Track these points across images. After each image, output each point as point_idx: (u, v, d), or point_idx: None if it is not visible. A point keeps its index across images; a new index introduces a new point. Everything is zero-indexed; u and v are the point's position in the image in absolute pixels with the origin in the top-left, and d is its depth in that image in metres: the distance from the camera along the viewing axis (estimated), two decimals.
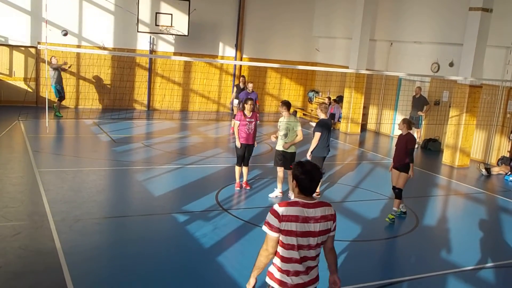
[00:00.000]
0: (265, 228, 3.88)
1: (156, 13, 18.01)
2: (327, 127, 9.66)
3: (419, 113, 16.23)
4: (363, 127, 18.93)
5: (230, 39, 20.53)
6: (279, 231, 3.82)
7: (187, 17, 18.30)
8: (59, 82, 16.25)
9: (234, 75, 20.86)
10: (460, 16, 14.55)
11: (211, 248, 7.13)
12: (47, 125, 13.64)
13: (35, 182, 9.44)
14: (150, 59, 19.15)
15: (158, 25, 18.11)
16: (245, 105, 9.88)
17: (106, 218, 8.19)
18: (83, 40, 18.08)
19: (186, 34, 18.48)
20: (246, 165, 10.11)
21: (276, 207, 3.86)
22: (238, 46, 20.62)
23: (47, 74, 15.75)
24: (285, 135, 9.64)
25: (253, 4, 20.61)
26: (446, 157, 14.37)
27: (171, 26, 18.21)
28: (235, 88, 16.22)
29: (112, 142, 13.54)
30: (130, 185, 10.20)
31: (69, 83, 16.49)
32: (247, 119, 9.83)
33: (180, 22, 18.32)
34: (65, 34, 16.56)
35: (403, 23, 17.38)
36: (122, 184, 10.24)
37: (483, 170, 13.37)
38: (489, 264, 7.39)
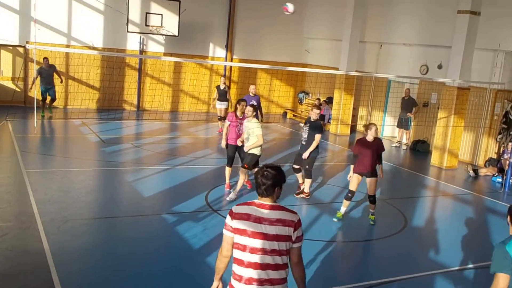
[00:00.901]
0: (223, 229, 3.82)
1: (146, 13, 17.97)
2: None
3: (408, 114, 16.34)
4: (353, 128, 19.02)
5: (220, 40, 20.53)
6: (232, 230, 3.72)
7: (177, 17, 18.27)
8: (44, 84, 15.46)
9: (225, 76, 20.85)
10: (448, 19, 14.67)
11: (201, 249, 7.13)
12: (35, 125, 13.55)
13: (22, 183, 9.37)
14: (140, 60, 19.10)
15: (148, 25, 18.07)
16: (238, 105, 9.85)
17: (95, 219, 8.16)
18: (72, 39, 17.98)
19: (176, 34, 18.45)
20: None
21: (233, 207, 3.81)
22: (229, 47, 20.62)
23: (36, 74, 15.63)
24: (247, 139, 9.38)
25: (244, 5, 20.63)
26: (434, 159, 14.48)
27: (161, 26, 18.17)
28: (215, 90, 16.13)
29: (101, 143, 13.48)
30: (119, 186, 10.16)
31: (57, 83, 16.38)
32: (238, 121, 9.79)
33: (170, 23, 18.29)
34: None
35: (392, 25, 17.50)
36: (111, 185, 10.20)
37: (471, 172, 13.49)
38: (476, 264, 7.46)
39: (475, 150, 14.99)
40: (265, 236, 3.64)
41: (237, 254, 3.73)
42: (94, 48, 18.03)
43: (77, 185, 9.64)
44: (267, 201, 3.75)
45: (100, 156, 12.30)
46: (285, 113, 21.87)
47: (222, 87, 15.85)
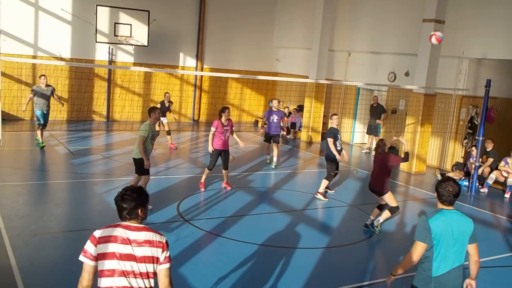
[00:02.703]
0: (81, 256, 3.55)
1: (115, 23, 17.84)
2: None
3: (378, 121, 16.61)
4: (324, 136, 19.16)
5: (190, 50, 20.51)
6: (95, 258, 3.50)
7: (146, 27, 18.19)
8: (39, 106, 13.42)
9: (195, 85, 20.82)
10: (414, 27, 15.00)
11: (173, 259, 7.05)
12: (0, 137, 13.23)
13: None
14: (109, 70, 18.92)
15: (117, 36, 17.93)
16: (222, 113, 10.48)
17: (64, 232, 8.01)
18: (39, 50, 17.71)
19: (146, 44, 18.36)
20: (226, 168, 10.77)
21: (96, 231, 3.60)
22: (199, 57, 20.62)
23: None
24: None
25: (213, 15, 20.68)
26: (403, 164, 14.71)
27: (131, 36, 18.06)
28: (158, 105, 13.96)
29: (70, 154, 13.28)
30: (89, 198, 10.01)
31: (24, 94, 16.02)
32: (224, 128, 10.46)
33: (139, 33, 18.20)
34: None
35: (360, 34, 17.78)
36: (80, 197, 10.04)
37: (439, 176, 13.75)
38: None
39: (442, 155, 15.31)
40: (135, 258, 3.50)
41: (105, 282, 3.49)
42: (61, 59, 17.78)
43: (45, 198, 9.46)
44: (132, 223, 3.62)
45: (68, 168, 12.10)
46: (256, 122, 21.93)
47: (167, 104, 15.03)
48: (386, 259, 8.11)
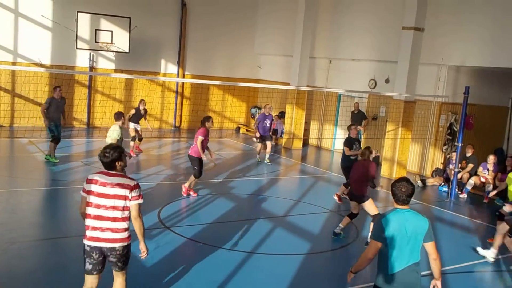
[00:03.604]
0: (81, 192, 5.10)
1: (96, 29, 17.74)
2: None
3: (358, 127, 16.72)
4: (305, 142, 19.28)
5: (172, 56, 20.47)
6: (87, 192, 5.00)
7: (127, 34, 18.12)
8: (53, 119, 12.78)
9: (177, 92, 20.77)
10: (394, 35, 15.18)
11: (154, 266, 7.02)
12: None
13: None
14: (90, 76, 18.77)
15: (98, 42, 17.82)
16: (207, 122, 10.70)
17: (43, 240, 7.91)
18: (19, 56, 17.51)
19: (127, 51, 18.28)
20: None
21: (89, 175, 5.12)
22: (180, 63, 20.59)
23: None
24: None
25: (195, 22, 20.68)
26: (384, 170, 14.86)
27: (111, 43, 17.96)
28: (133, 111, 14.82)
29: (50, 161, 13.11)
30: (69, 205, 9.89)
31: (3, 101, 15.81)
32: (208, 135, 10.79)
33: (120, 39, 18.11)
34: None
35: (341, 41, 17.94)
36: (60, 204, 9.92)
37: (419, 182, 13.90)
38: (424, 272, 7.65)
39: (422, 161, 15.48)
40: (106, 196, 4.92)
41: (88, 210, 5.00)
42: (42, 65, 17.60)
43: (24, 206, 9.33)
44: (111, 171, 5.03)
45: (48, 175, 11.96)
46: (238, 128, 21.96)
47: (142, 112, 15.00)
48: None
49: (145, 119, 15.24)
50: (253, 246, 8.11)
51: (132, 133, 14.45)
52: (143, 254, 5.23)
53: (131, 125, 14.59)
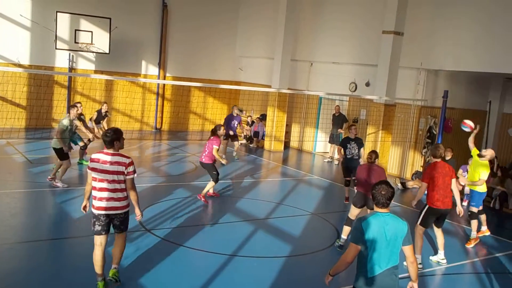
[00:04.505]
0: (87, 169, 6.04)
1: (76, 30, 17.55)
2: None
3: (339, 130, 16.82)
4: (286, 145, 19.33)
5: (153, 58, 20.36)
6: (91, 169, 5.97)
7: (108, 34, 17.97)
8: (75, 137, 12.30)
9: (158, 93, 20.65)
10: (374, 38, 15.33)
11: (134, 269, 6.95)
12: None
13: None
14: (70, 77, 18.56)
15: (78, 43, 17.64)
16: (219, 130, 11.00)
17: (21, 242, 7.77)
18: None
19: (107, 51, 18.13)
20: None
21: (92, 154, 6.10)
22: (161, 65, 20.48)
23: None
24: None
25: (176, 24, 20.60)
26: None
27: (91, 43, 17.79)
28: (96, 113, 15.00)
29: (28, 163, 12.93)
30: (47, 208, 9.76)
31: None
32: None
33: (100, 40, 17.95)
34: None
35: (322, 45, 18.04)
36: (39, 207, 9.77)
37: (399, 185, 14.03)
38: (405, 274, 7.71)
39: (402, 164, 15.64)
40: (107, 172, 5.94)
41: (94, 183, 6.00)
42: (20, 66, 17.34)
43: (1, 208, 9.16)
44: (110, 150, 6.05)
45: (27, 177, 11.77)
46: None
47: (103, 114, 14.95)
48: (349, 266, 8.17)
49: (102, 121, 15.15)
50: (234, 249, 8.09)
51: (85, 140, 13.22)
52: (138, 217, 6.30)
53: (90, 125, 14.38)
